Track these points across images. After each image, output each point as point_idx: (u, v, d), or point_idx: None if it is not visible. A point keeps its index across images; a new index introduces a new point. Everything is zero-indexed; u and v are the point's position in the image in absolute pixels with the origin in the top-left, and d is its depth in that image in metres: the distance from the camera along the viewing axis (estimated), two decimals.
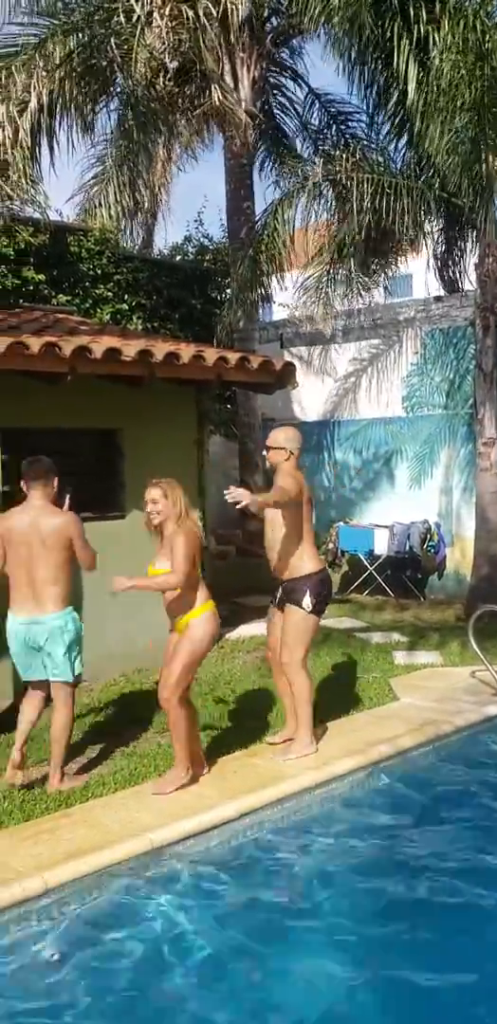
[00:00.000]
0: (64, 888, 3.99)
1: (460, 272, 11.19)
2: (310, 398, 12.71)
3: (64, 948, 3.67)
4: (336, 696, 6.66)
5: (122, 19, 8.79)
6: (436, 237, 10.87)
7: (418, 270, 11.38)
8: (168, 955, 3.63)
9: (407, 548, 11.11)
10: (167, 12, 8.67)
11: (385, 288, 11.77)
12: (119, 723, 6.23)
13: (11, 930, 3.76)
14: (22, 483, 5.25)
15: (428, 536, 11.13)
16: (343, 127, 11.92)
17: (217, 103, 9.77)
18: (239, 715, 6.32)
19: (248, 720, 6.14)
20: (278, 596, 5.57)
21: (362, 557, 11.54)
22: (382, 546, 11.28)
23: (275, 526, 5.40)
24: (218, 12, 9.25)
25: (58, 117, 8.91)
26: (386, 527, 11.31)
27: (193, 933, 3.78)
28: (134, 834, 4.39)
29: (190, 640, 4.88)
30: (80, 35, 8.88)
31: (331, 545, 11.75)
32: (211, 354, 7.86)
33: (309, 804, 4.99)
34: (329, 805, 5.02)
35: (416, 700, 6.63)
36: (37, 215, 9.44)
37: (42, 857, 4.18)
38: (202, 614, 4.90)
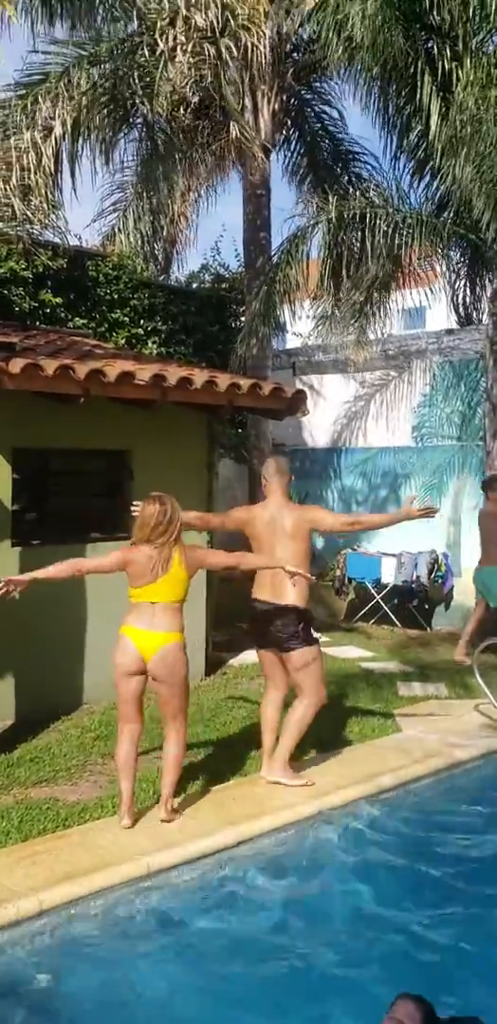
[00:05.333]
0: (59, 910, 4.00)
1: (475, 306, 11.26)
2: (320, 425, 12.77)
3: (57, 970, 3.67)
4: (338, 726, 6.65)
5: (146, 52, 8.97)
6: (453, 271, 10.95)
7: (432, 302, 11.46)
8: (155, 986, 3.61)
9: (414, 578, 11.10)
10: (189, 48, 8.84)
11: (398, 318, 11.87)
12: None
13: (6, 951, 3.76)
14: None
15: (436, 566, 11.12)
16: (349, 166, 12.12)
17: (235, 138, 9.92)
18: (240, 742, 6.31)
19: (249, 748, 6.13)
20: None
21: (369, 585, 11.53)
22: (389, 575, 11.27)
23: None
24: (239, 51, 9.43)
25: (81, 144, 9.07)
26: (394, 556, 11.31)
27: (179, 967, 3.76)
28: (131, 858, 4.40)
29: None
30: (105, 66, 9.05)
31: (338, 572, 11.75)
32: (224, 380, 7.93)
33: (307, 833, 4.97)
34: (328, 835, 5.00)
35: (420, 732, 6.61)
36: (57, 239, 9.58)
37: (38, 878, 4.19)
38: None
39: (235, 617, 9.28)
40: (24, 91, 8.73)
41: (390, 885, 4.56)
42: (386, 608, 11.28)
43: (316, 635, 5.46)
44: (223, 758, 5.96)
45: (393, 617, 11.21)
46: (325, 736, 6.22)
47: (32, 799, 5.27)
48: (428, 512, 5.50)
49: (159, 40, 8.69)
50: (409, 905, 4.32)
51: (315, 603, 5.73)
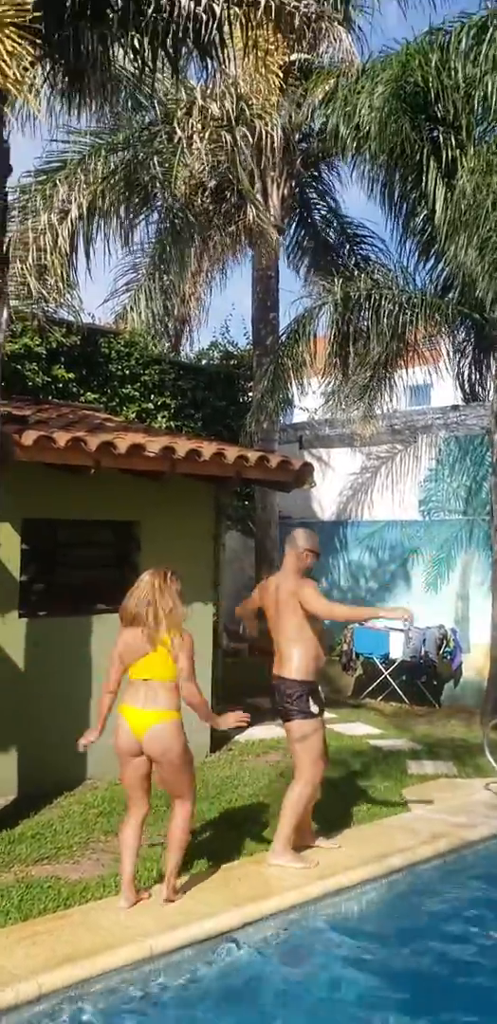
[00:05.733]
0: (59, 993, 3.89)
1: (481, 383, 11.42)
2: (326, 498, 12.85)
3: None
4: (347, 804, 6.54)
5: (164, 139, 9.34)
6: (458, 350, 11.14)
7: (437, 380, 11.65)
8: None
9: (423, 653, 11.01)
10: (206, 136, 9.21)
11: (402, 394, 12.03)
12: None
13: None
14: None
15: (444, 642, 11.04)
16: (356, 247, 12.48)
17: (251, 221, 10.25)
18: (246, 821, 6.20)
19: (255, 826, 6.02)
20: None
21: (377, 661, 11.44)
22: (397, 650, 11.18)
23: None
24: (254, 139, 9.82)
25: (96, 226, 9.39)
26: (401, 631, 11.24)
27: None
28: (133, 939, 4.29)
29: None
30: (123, 153, 9.42)
31: (345, 647, 11.67)
32: (232, 452, 8.02)
33: (314, 916, 4.85)
34: (335, 917, 4.88)
35: (428, 812, 6.49)
36: (70, 317, 9.82)
37: (38, 959, 4.08)
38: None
39: (242, 692, 9.20)
40: (44, 177, 9.07)
41: (397, 975, 4.43)
42: (394, 684, 11.17)
43: (315, 709, 5.37)
44: (228, 837, 5.84)
45: (401, 694, 11.09)
46: (333, 815, 6.11)
47: (33, 877, 5.17)
48: (402, 614, 5.57)
49: (177, 128, 9.05)
50: (410, 996, 4.20)
51: (320, 679, 5.65)
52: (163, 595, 4.73)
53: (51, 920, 4.56)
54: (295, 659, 5.32)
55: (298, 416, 14.53)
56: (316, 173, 12.66)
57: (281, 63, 9.55)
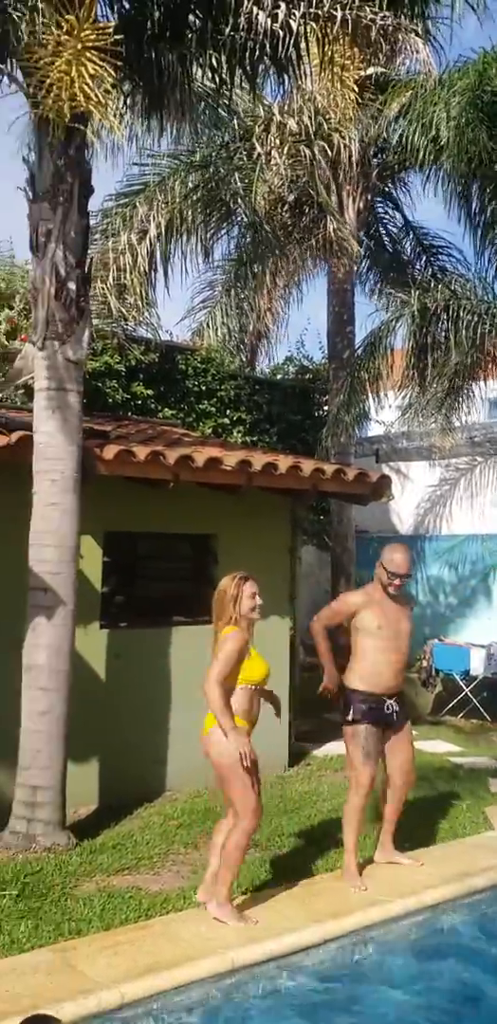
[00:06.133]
0: (140, 1003, 3.91)
1: None
2: (403, 511, 12.69)
3: None
4: (428, 822, 6.40)
5: (244, 156, 9.48)
6: None
7: None
8: None
9: None
10: (285, 151, 9.30)
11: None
12: (202, 835, 6.14)
13: None
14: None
15: None
16: (432, 259, 12.29)
17: (330, 234, 10.28)
18: (325, 836, 6.13)
19: (334, 842, 5.94)
20: (394, 710, 5.42)
21: (457, 677, 11.19)
22: (478, 666, 10.92)
23: (409, 638, 5.44)
24: (332, 153, 9.86)
25: (174, 244, 9.58)
26: (482, 647, 10.97)
27: None
28: (214, 952, 4.28)
29: None
30: (203, 171, 9.61)
31: (424, 663, 11.45)
32: (308, 465, 8.00)
33: (395, 934, 4.76)
34: (417, 936, 4.77)
35: None
36: (149, 335, 10.02)
37: (120, 969, 4.10)
38: None
39: (319, 706, 9.13)
40: (125, 200, 9.30)
41: (477, 998, 4.29)
42: (475, 701, 10.90)
43: (355, 716, 5.32)
44: (308, 852, 5.79)
45: (482, 710, 10.81)
46: (414, 832, 5.98)
47: (114, 887, 5.22)
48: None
49: (256, 144, 9.17)
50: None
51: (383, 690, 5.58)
52: (222, 600, 4.73)
53: (132, 930, 4.59)
54: (350, 666, 5.43)
55: (375, 430, 14.40)
56: (391, 186, 12.59)
57: (357, 77, 9.56)
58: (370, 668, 5.34)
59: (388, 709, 5.35)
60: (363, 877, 5.26)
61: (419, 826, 6.18)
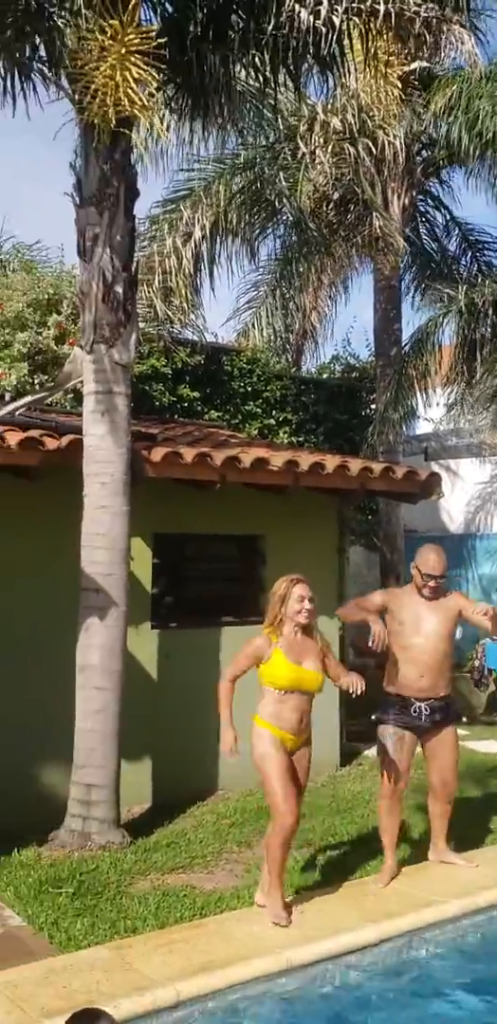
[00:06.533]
0: (195, 1002, 3.91)
1: None
2: (453, 510, 12.53)
3: None
4: (482, 823, 6.30)
5: (288, 156, 9.48)
6: None
7: None
8: None
9: None
10: (329, 150, 9.29)
11: None
12: (255, 834, 6.13)
13: None
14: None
15: None
16: (478, 255, 12.13)
17: (376, 231, 10.23)
18: (377, 836, 6.06)
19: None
20: (424, 714, 5.31)
21: None
22: None
23: (440, 640, 5.25)
24: (376, 150, 9.81)
25: (219, 245, 9.62)
26: None
27: None
28: (269, 951, 4.27)
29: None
30: (248, 173, 9.62)
31: (476, 663, 11.27)
32: (355, 464, 7.95)
33: (450, 935, 4.69)
34: (472, 938, 4.70)
35: None
36: (194, 337, 10.07)
37: (175, 967, 4.11)
38: None
39: (367, 707, 9.04)
40: (172, 206, 9.39)
41: None
42: None
43: (380, 716, 5.34)
44: (361, 852, 5.73)
45: None
46: (468, 833, 5.89)
47: (168, 885, 5.24)
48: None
49: (301, 143, 9.16)
50: None
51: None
52: (271, 599, 4.74)
53: (187, 929, 4.60)
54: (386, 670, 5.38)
55: (423, 428, 14.24)
56: (435, 181, 12.46)
57: (400, 73, 9.49)
58: (394, 670, 5.28)
59: (415, 711, 5.22)
60: (414, 876, 5.21)
61: (472, 826, 6.09)
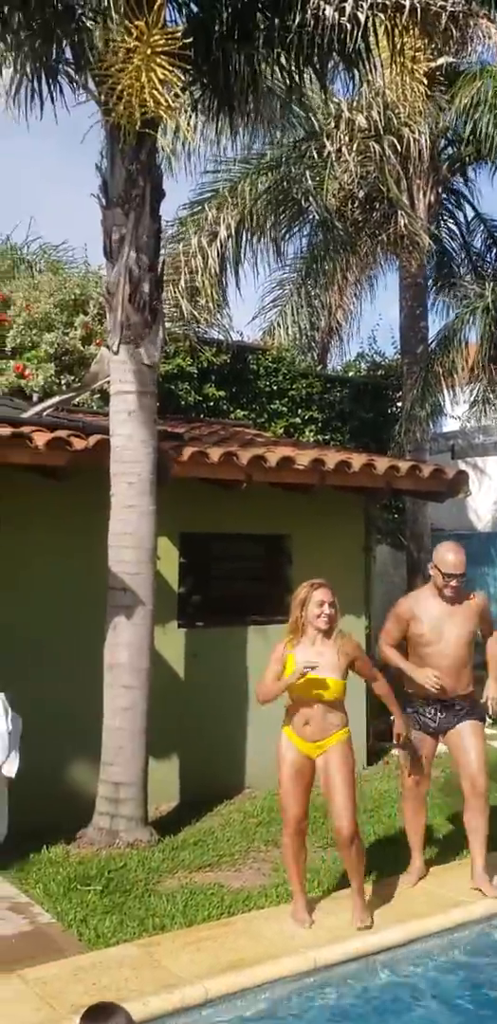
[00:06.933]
0: (224, 1000, 3.92)
1: None
2: (482, 507, 12.42)
3: None
4: None
5: (314, 154, 9.47)
6: None
7: None
8: None
9: None
10: (354, 148, 9.26)
11: None
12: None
13: None
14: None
15: None
16: None
17: (401, 228, 10.19)
18: (405, 836, 6.02)
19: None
20: (439, 716, 5.22)
21: None
22: None
23: (460, 646, 5.16)
24: (402, 147, 9.76)
25: (245, 244, 9.62)
26: None
27: None
28: (296, 951, 4.27)
29: (347, 759, 4.61)
30: (273, 172, 9.63)
31: None
32: (382, 463, 7.91)
33: (481, 935, 4.65)
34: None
35: None
36: (220, 337, 10.08)
37: (203, 965, 4.13)
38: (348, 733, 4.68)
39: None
40: (199, 208, 9.42)
41: None
42: None
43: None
44: (388, 852, 5.70)
45: None
46: (492, 832, 5.82)
47: (196, 883, 5.26)
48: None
49: (327, 142, 9.15)
50: None
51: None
52: (292, 602, 4.71)
53: (215, 927, 4.61)
54: None
55: (449, 425, 14.13)
56: (460, 178, 12.37)
57: (426, 69, 9.43)
58: (407, 674, 5.21)
59: (430, 714, 5.20)
60: (442, 876, 5.19)
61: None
